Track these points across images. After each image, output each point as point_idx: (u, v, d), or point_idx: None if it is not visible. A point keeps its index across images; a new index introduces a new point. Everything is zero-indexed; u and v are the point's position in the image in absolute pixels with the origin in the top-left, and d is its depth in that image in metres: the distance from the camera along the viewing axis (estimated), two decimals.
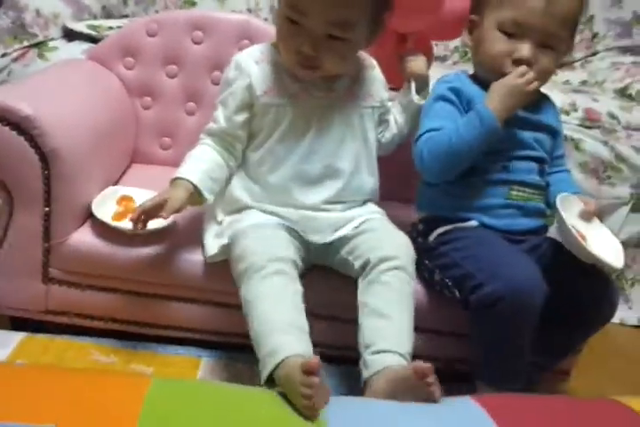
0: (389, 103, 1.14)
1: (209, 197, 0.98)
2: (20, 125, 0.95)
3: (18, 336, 0.98)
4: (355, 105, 1.04)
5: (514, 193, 1.05)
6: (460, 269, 0.98)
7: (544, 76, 1.04)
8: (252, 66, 1.00)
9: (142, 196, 1.10)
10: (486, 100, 1.00)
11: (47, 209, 0.99)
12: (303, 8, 0.89)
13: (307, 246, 1.00)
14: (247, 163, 1.03)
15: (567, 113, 1.49)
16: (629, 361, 1.41)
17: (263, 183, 1.01)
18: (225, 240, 0.97)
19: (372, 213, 1.05)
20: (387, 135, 1.13)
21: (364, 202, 1.08)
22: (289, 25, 0.91)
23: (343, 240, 1.00)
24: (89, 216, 1.05)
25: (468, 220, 1.04)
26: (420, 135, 1.04)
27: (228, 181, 1.03)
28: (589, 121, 1.49)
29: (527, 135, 1.06)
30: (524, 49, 1.00)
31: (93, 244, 1.02)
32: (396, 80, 1.16)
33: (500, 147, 1.03)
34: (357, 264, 0.95)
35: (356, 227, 1.01)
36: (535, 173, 1.07)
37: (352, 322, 0.93)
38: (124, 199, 1.09)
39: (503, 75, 1.01)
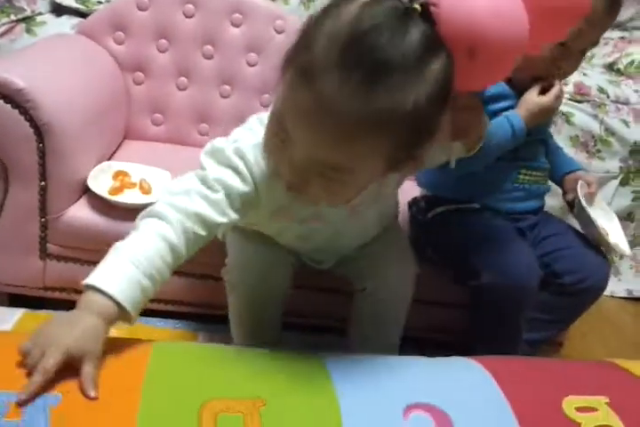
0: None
1: (135, 318, 0.66)
2: (14, 98, 0.94)
3: (17, 312, 0.99)
4: (377, 205, 0.86)
5: (521, 176, 1.06)
6: (457, 254, 1.01)
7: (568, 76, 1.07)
8: (261, 177, 0.74)
9: (137, 170, 1.10)
10: (520, 108, 0.99)
11: (43, 184, 1.00)
12: (292, 133, 0.64)
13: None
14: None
15: None
16: (619, 331, 1.45)
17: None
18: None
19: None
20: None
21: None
22: (276, 141, 0.67)
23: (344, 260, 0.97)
24: (85, 191, 1.06)
25: (471, 202, 1.06)
26: None
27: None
28: (579, 95, 1.50)
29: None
30: (571, 60, 0.99)
31: (90, 218, 1.03)
32: None
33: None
34: (356, 285, 0.95)
35: (361, 248, 0.95)
36: (542, 154, 1.10)
37: (336, 292, 0.98)
38: (120, 174, 1.09)
39: (536, 78, 1.00)
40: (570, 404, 0.66)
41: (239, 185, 0.73)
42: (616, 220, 1.10)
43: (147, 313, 1.06)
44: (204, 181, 0.72)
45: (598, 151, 1.50)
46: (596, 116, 1.49)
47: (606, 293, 1.57)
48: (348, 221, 0.84)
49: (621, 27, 1.98)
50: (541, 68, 1.00)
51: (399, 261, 0.94)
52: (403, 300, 0.95)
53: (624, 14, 2.01)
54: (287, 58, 0.64)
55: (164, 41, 1.33)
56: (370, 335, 0.96)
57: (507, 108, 1.02)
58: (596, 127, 1.48)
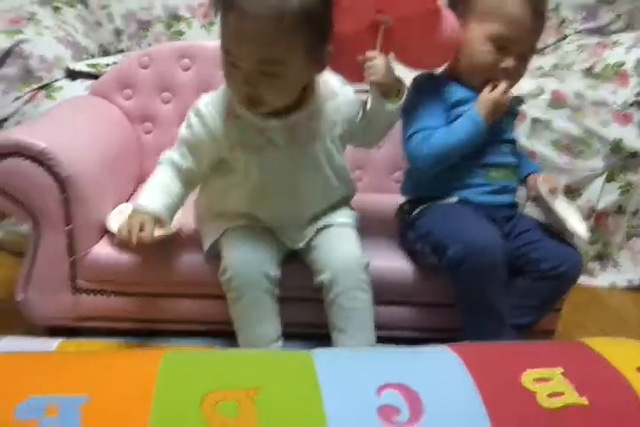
0: (359, 102, 1.11)
1: (170, 222, 1.10)
2: (38, 158, 1.08)
3: (55, 342, 1.11)
4: (319, 144, 1.07)
5: (492, 174, 1.17)
6: (433, 237, 1.11)
7: (519, 78, 1.17)
8: (215, 119, 1.02)
9: None
10: (480, 110, 1.11)
11: (69, 228, 1.12)
12: (235, 51, 0.92)
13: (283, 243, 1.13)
14: (228, 191, 1.11)
15: (536, 96, 1.59)
16: (622, 321, 1.50)
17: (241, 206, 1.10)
18: (213, 239, 1.11)
19: (339, 219, 1.14)
20: (366, 139, 1.17)
21: (340, 203, 1.17)
22: (229, 68, 0.95)
23: (308, 246, 1.12)
24: (106, 231, 1.18)
25: (450, 197, 1.17)
26: (414, 133, 1.15)
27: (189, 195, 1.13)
28: (557, 102, 1.59)
29: (502, 121, 1.17)
30: (511, 61, 1.12)
31: (112, 254, 1.16)
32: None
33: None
34: (315, 282, 1.08)
35: (317, 232, 1.12)
36: (510, 154, 1.20)
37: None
38: None
39: (487, 80, 1.13)
40: (528, 376, 0.75)
41: (192, 134, 1.04)
42: (575, 209, 1.19)
43: (166, 334, 1.20)
44: (177, 144, 1.08)
45: (581, 152, 1.58)
46: (574, 120, 1.57)
47: (607, 284, 1.65)
48: (295, 159, 1.05)
49: (600, 32, 2.07)
50: (487, 72, 1.13)
51: (347, 253, 1.08)
52: (360, 289, 1.06)
53: (602, 20, 2.10)
54: (216, 5, 0.92)
55: (166, 93, 1.47)
56: (344, 329, 1.07)
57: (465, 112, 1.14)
58: (575, 130, 1.57)
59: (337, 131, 1.08)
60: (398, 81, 1.08)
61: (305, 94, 1.02)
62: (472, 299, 1.08)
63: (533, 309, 1.15)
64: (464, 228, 1.07)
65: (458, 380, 0.75)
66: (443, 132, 1.13)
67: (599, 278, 1.67)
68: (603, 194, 1.61)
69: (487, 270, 1.05)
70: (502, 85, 1.12)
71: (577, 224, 1.15)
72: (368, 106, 1.07)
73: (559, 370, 0.76)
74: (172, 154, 1.08)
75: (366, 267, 1.08)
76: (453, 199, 1.16)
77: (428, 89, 1.17)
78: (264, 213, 1.11)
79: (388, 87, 1.07)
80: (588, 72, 1.79)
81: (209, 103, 1.03)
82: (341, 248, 1.09)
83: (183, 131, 1.06)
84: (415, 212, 1.18)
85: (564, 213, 1.15)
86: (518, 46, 1.11)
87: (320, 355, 0.79)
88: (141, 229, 1.01)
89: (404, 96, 1.08)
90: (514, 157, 1.21)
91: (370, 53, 1.05)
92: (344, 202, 1.18)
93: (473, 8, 1.12)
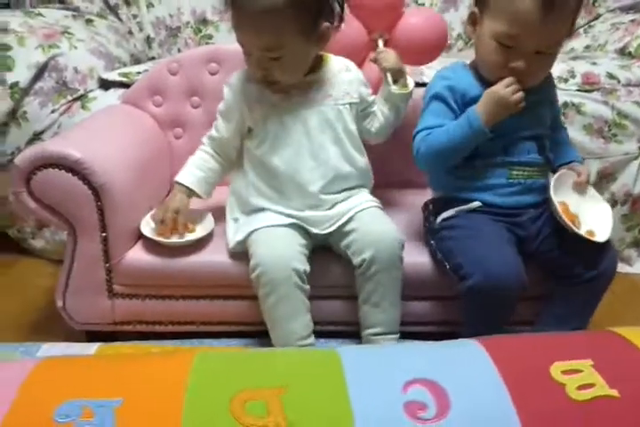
0: (372, 97, 1.26)
1: (205, 197, 1.26)
2: (73, 168, 1.12)
3: (94, 346, 1.14)
4: (330, 104, 1.19)
5: (514, 173, 1.13)
6: (454, 258, 1.10)
7: (542, 74, 1.10)
8: (241, 86, 1.20)
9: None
10: (478, 104, 1.07)
11: (104, 234, 1.16)
12: (244, 42, 1.11)
13: (310, 236, 1.17)
14: (254, 162, 1.20)
15: (566, 80, 1.55)
16: None
17: (269, 179, 1.18)
18: (240, 237, 1.16)
19: (364, 204, 1.19)
20: (375, 125, 1.27)
21: (358, 188, 1.22)
22: (245, 56, 1.13)
23: (340, 233, 1.16)
24: (140, 236, 1.22)
25: (472, 200, 1.14)
26: (418, 132, 1.15)
27: (226, 172, 1.28)
28: (588, 84, 1.55)
29: (526, 117, 1.11)
30: (520, 62, 1.04)
31: (146, 259, 1.19)
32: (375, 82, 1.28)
33: (498, 131, 1.10)
34: (354, 261, 1.13)
35: (349, 219, 1.16)
36: (534, 152, 1.15)
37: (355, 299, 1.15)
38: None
39: (500, 78, 1.07)
40: (557, 369, 0.74)
41: (224, 103, 1.22)
42: (603, 208, 1.14)
43: (201, 336, 1.22)
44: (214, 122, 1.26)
45: (614, 135, 1.53)
46: (606, 103, 1.53)
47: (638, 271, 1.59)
48: (309, 116, 1.16)
49: (636, 9, 2.00)
50: (496, 71, 1.08)
51: (381, 224, 1.15)
52: (397, 267, 1.13)
53: None
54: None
55: (195, 98, 1.49)
56: (378, 303, 1.14)
57: None
58: (607, 113, 1.52)
59: (348, 99, 1.20)
60: (404, 71, 1.23)
61: (317, 63, 1.18)
62: (481, 323, 1.08)
63: (578, 314, 1.14)
64: (485, 256, 1.05)
65: (485, 374, 0.75)
66: (440, 132, 1.11)
67: (637, 266, 1.63)
68: (639, 178, 1.56)
69: (504, 303, 1.05)
70: (508, 79, 1.06)
71: (596, 225, 1.10)
72: (383, 92, 1.24)
73: (589, 362, 0.75)
74: (210, 131, 1.25)
75: (403, 245, 1.14)
76: (475, 204, 1.14)
77: (439, 87, 1.14)
78: (287, 184, 1.17)
79: (399, 73, 1.23)
80: (622, 52, 1.75)
81: (236, 75, 1.22)
82: (379, 229, 1.14)
83: (219, 105, 1.23)
84: (439, 220, 1.17)
85: (584, 210, 1.11)
86: (526, 45, 1.03)
87: (347, 352, 0.80)
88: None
89: (412, 85, 1.23)
90: (539, 154, 1.15)
91: (379, 49, 1.25)
92: (363, 188, 1.24)
93: (488, 4, 1.08)
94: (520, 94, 1.05)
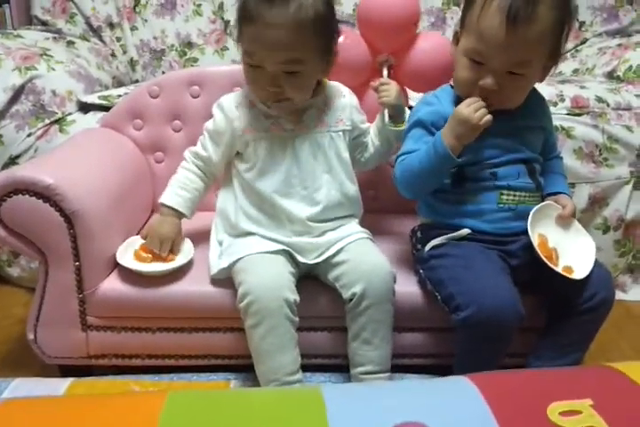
0: (366, 125, 1.23)
1: (190, 217, 1.22)
2: (44, 194, 1.07)
3: (66, 382, 1.08)
4: (323, 131, 1.16)
5: (504, 197, 1.09)
6: (445, 288, 1.06)
7: (516, 96, 1.06)
8: (233, 110, 1.17)
9: None
10: (445, 128, 1.04)
11: (77, 263, 1.11)
12: (261, 55, 1.05)
13: (298, 264, 1.13)
14: (244, 186, 1.16)
15: (555, 104, 1.53)
16: None
17: (258, 204, 1.15)
18: (225, 264, 1.11)
19: (355, 235, 1.15)
20: (365, 155, 1.25)
21: (348, 218, 1.19)
22: (252, 69, 1.09)
23: (328, 264, 1.12)
24: (115, 265, 1.17)
25: (461, 227, 1.10)
26: (397, 157, 1.13)
27: (209, 189, 1.25)
28: (578, 108, 1.53)
29: (514, 141, 1.10)
30: (488, 79, 1.02)
31: (123, 289, 1.14)
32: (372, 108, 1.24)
33: (486, 155, 1.08)
34: (344, 295, 1.09)
35: (339, 250, 1.12)
36: (524, 176, 1.11)
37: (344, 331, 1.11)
38: (145, 246, 1.20)
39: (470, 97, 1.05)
40: (554, 410, 0.69)
41: (214, 124, 1.18)
42: (586, 243, 1.10)
43: (180, 370, 1.17)
44: (200, 138, 1.23)
45: (605, 159, 1.51)
46: (596, 126, 1.50)
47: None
48: (301, 143, 1.14)
49: (622, 33, 2.01)
50: (466, 88, 1.06)
51: (372, 257, 1.11)
52: (390, 301, 1.09)
53: (625, 19, 2.04)
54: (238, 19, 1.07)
55: (177, 122, 1.45)
56: (369, 340, 1.08)
57: None
58: (598, 137, 1.50)
59: (341, 126, 1.18)
60: (403, 108, 1.20)
61: (315, 88, 1.15)
62: (475, 357, 1.04)
63: (579, 344, 1.10)
64: (479, 287, 1.00)
65: (478, 416, 0.70)
66: (412, 157, 1.08)
67: (631, 293, 1.60)
68: (631, 202, 1.53)
69: (500, 336, 1.01)
70: (470, 99, 1.03)
71: (576, 262, 1.07)
72: (377, 125, 1.22)
73: (588, 402, 0.70)
74: (194, 147, 1.23)
75: (395, 278, 1.10)
76: (464, 231, 1.10)
77: (422, 112, 1.11)
78: (276, 210, 1.13)
79: (398, 110, 1.19)
80: (610, 75, 1.74)
81: (228, 97, 1.19)
82: (371, 261, 1.10)
83: (207, 123, 1.21)
84: (427, 248, 1.13)
85: (565, 245, 1.08)
86: (494, 62, 1.01)
87: (331, 393, 0.74)
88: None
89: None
90: (530, 179, 1.11)
91: (383, 79, 1.22)
92: (353, 218, 1.21)
93: (464, 22, 1.06)
94: (481, 113, 1.01)
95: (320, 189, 1.15)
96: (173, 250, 1.19)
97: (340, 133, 1.18)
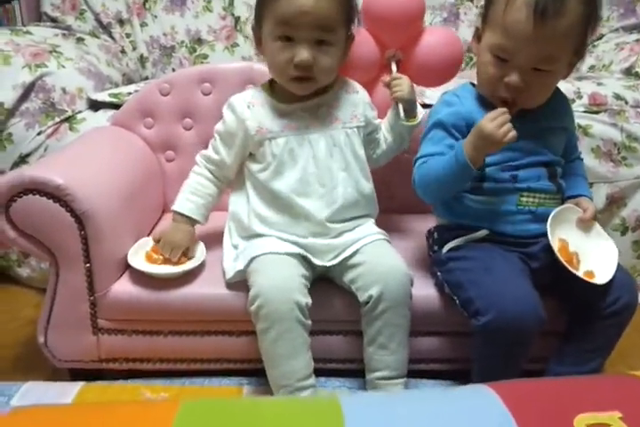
0: (378, 121, 1.21)
1: (204, 223, 1.20)
2: (54, 194, 1.05)
3: (76, 386, 1.06)
4: (338, 127, 1.14)
5: (524, 199, 1.07)
6: (464, 292, 1.03)
7: (541, 94, 1.04)
8: (245, 110, 1.14)
9: None
10: (467, 138, 1.01)
11: (88, 265, 1.10)
12: (295, 22, 1.03)
13: (313, 266, 1.10)
14: (258, 187, 1.14)
15: (572, 101, 1.50)
16: None
17: (273, 204, 1.12)
18: (241, 266, 1.09)
19: (371, 236, 1.13)
20: (377, 152, 1.22)
21: (364, 218, 1.16)
22: (282, 45, 1.06)
23: (344, 266, 1.10)
24: (127, 266, 1.15)
25: (479, 228, 1.08)
26: (416, 159, 1.09)
27: (222, 193, 1.22)
28: (595, 106, 1.49)
29: (535, 143, 1.07)
30: (513, 76, 1.00)
31: (134, 292, 1.12)
32: (382, 104, 1.23)
33: (507, 156, 1.06)
34: (360, 297, 1.06)
35: (355, 252, 1.10)
36: (545, 178, 1.09)
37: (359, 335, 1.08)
38: (156, 247, 1.18)
39: (496, 98, 1.04)
40: (581, 422, 0.67)
41: (225, 126, 1.16)
42: (608, 247, 1.07)
43: (191, 374, 1.15)
44: (211, 141, 1.20)
45: (624, 158, 1.48)
46: (615, 125, 1.47)
47: None
48: (316, 141, 1.11)
49: (639, 28, 1.97)
50: (491, 86, 1.03)
51: (390, 259, 1.08)
52: (407, 305, 1.06)
53: None
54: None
55: (188, 120, 1.43)
56: (385, 344, 1.06)
57: None
58: (616, 135, 1.47)
59: (355, 123, 1.16)
60: (416, 103, 1.19)
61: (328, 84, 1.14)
62: (494, 362, 1.01)
63: (602, 350, 1.08)
64: (499, 291, 0.98)
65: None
66: (433, 162, 1.05)
67: None
68: None
69: (520, 341, 0.98)
70: (493, 112, 0.99)
71: (597, 266, 1.04)
72: (390, 120, 1.20)
73: (617, 414, 0.68)
74: (206, 151, 1.20)
75: (412, 281, 1.08)
76: (483, 233, 1.07)
77: (442, 113, 1.09)
78: (293, 210, 1.11)
79: (411, 104, 1.17)
80: (628, 72, 1.70)
81: (239, 97, 1.17)
82: (388, 263, 1.07)
83: (217, 125, 1.18)
84: (445, 249, 1.11)
85: (587, 249, 1.05)
86: (520, 58, 0.99)
87: (349, 402, 0.72)
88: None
89: (421, 117, 1.18)
90: (551, 181, 1.09)
91: (394, 74, 1.19)
92: (369, 217, 1.19)
93: (487, 17, 1.04)
94: (506, 128, 0.97)
95: (337, 187, 1.12)
96: (186, 253, 1.17)
97: (355, 130, 1.16)
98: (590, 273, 1.04)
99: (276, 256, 1.07)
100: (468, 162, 0.99)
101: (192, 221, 1.17)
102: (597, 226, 1.10)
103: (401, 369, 1.08)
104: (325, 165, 1.12)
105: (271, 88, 1.17)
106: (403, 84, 1.16)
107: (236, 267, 1.10)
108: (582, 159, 1.22)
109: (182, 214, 1.16)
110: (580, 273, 1.02)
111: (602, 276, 1.03)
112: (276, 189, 1.11)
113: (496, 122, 0.97)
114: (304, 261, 1.09)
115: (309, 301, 1.03)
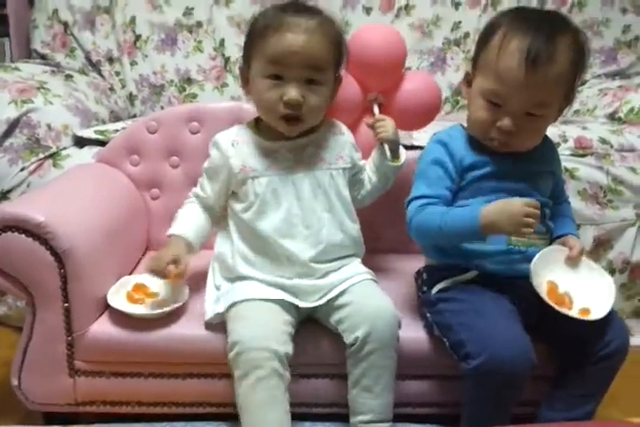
0: (362, 162, 1.21)
1: (198, 249, 1.17)
2: (34, 232, 1.03)
3: None
4: (323, 168, 1.14)
5: (514, 239, 1.06)
6: (454, 335, 1.02)
7: (532, 138, 1.06)
8: (229, 148, 1.13)
9: (154, 281, 1.17)
10: (488, 209, 0.99)
11: (66, 305, 1.06)
12: (285, 62, 1.04)
13: (297, 309, 1.08)
14: (241, 227, 1.12)
15: (558, 145, 1.52)
16: None
17: (257, 245, 1.10)
18: (221, 309, 1.06)
19: (358, 276, 1.11)
20: (362, 193, 1.22)
21: (350, 257, 1.15)
22: (271, 83, 1.06)
23: (330, 306, 1.08)
24: (107, 306, 1.12)
25: (468, 269, 1.07)
26: (413, 199, 1.08)
27: (212, 230, 1.20)
28: (581, 149, 1.52)
29: (524, 185, 1.08)
30: (506, 120, 1.01)
31: (112, 332, 1.09)
32: (365, 145, 1.24)
33: (498, 197, 1.05)
34: (346, 339, 1.04)
35: (342, 292, 1.08)
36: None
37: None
38: (138, 286, 1.15)
39: (488, 139, 1.05)
40: None
41: (210, 162, 1.16)
42: (601, 280, 1.06)
43: (172, 418, 1.11)
44: (199, 179, 1.20)
45: (610, 201, 1.49)
46: (601, 168, 1.49)
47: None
48: (300, 181, 1.11)
49: (622, 75, 2.02)
50: (486, 129, 1.04)
51: (376, 299, 1.06)
52: (394, 347, 1.04)
53: (624, 62, 2.05)
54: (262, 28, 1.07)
55: (175, 158, 1.42)
56: (370, 387, 1.03)
57: (485, 175, 1.07)
58: (602, 178, 1.49)
59: (342, 164, 1.16)
60: (399, 143, 1.20)
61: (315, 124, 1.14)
62: (484, 406, 0.99)
63: (594, 395, 1.05)
64: (490, 334, 0.96)
65: None
66: (436, 211, 1.04)
67: (638, 337, 1.54)
68: (636, 245, 1.50)
69: (511, 386, 0.96)
70: (533, 203, 0.99)
71: (592, 302, 1.03)
72: (374, 161, 1.20)
73: None
74: (195, 188, 1.20)
75: (400, 322, 1.06)
76: (472, 273, 1.07)
77: (438, 152, 1.09)
78: (276, 251, 1.09)
79: (396, 145, 1.19)
80: (612, 117, 1.73)
81: (224, 134, 1.17)
82: (375, 304, 1.06)
83: (204, 164, 1.18)
84: (434, 291, 1.09)
85: (576, 286, 1.04)
86: (513, 103, 1.00)
87: None
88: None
89: (404, 158, 1.19)
90: (541, 222, 1.07)
91: (378, 116, 1.21)
92: (355, 257, 1.17)
93: (479, 61, 1.06)
94: (531, 222, 0.97)
95: (322, 229, 1.11)
96: (162, 293, 1.14)
97: (341, 171, 1.15)
98: (586, 310, 1.02)
99: (258, 303, 1.04)
100: (478, 228, 0.99)
101: (186, 243, 1.14)
102: (587, 261, 1.09)
103: (386, 413, 1.05)
104: (309, 207, 1.11)
105: (257, 126, 1.17)
106: (387, 124, 1.17)
107: (215, 309, 1.08)
108: (569, 202, 1.22)
109: (178, 236, 1.14)
110: (573, 313, 1.00)
111: (598, 310, 1.01)
112: (259, 230, 1.09)
113: (528, 210, 0.97)
114: (288, 305, 1.07)
115: (290, 350, 1.00)
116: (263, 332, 0.99)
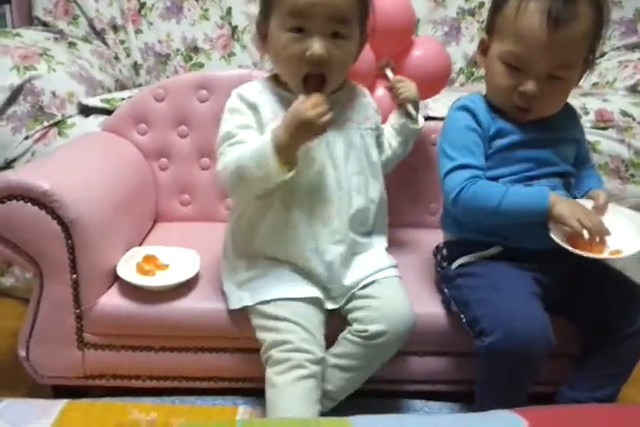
0: (382, 126, 1.17)
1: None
2: (40, 200, 1.00)
3: (59, 404, 0.99)
4: (354, 127, 1.07)
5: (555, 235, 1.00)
6: (470, 311, 0.99)
7: (556, 102, 1.03)
8: (255, 95, 1.03)
9: (164, 253, 1.14)
10: (557, 201, 0.97)
11: (74, 276, 1.04)
12: (309, 13, 0.94)
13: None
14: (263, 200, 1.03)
15: (579, 117, 1.47)
16: None
17: (280, 217, 1.02)
18: (249, 302, 1.02)
19: (384, 271, 1.06)
20: (383, 158, 1.16)
21: (378, 235, 1.11)
22: (293, 38, 0.96)
23: (351, 303, 1.04)
24: (116, 278, 1.09)
25: (491, 244, 1.04)
26: (455, 168, 1.02)
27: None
28: (602, 122, 1.47)
29: (549, 153, 1.05)
30: (529, 85, 0.98)
31: (123, 305, 1.06)
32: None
33: (521, 167, 1.03)
34: (353, 326, 1.01)
35: (365, 286, 1.04)
36: (560, 188, 1.05)
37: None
38: (148, 258, 1.12)
39: (511, 107, 1.02)
40: None
41: (245, 107, 1.02)
42: (631, 218, 1.02)
43: (183, 392, 1.09)
44: (227, 138, 1.01)
45: (632, 176, 1.45)
46: (622, 141, 1.45)
47: None
48: (332, 141, 1.02)
49: None
50: (506, 95, 1.01)
51: (397, 300, 1.02)
52: (397, 348, 1.02)
53: None
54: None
55: (183, 127, 1.39)
56: (348, 369, 1.02)
57: (511, 144, 1.03)
58: (624, 152, 1.44)
59: (369, 124, 1.10)
60: (419, 104, 1.18)
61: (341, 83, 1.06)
62: (498, 385, 0.97)
63: (619, 375, 1.03)
64: (507, 311, 0.93)
65: None
66: (493, 191, 0.99)
67: None
68: None
69: (526, 364, 0.93)
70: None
71: (625, 241, 0.97)
72: (394, 125, 1.18)
73: None
74: (223, 157, 1.00)
75: (414, 326, 1.03)
76: (496, 249, 1.03)
77: (465, 119, 1.05)
78: (311, 213, 1.01)
79: (417, 106, 1.17)
80: (633, 89, 1.68)
81: (244, 86, 1.06)
82: (398, 306, 1.02)
83: (225, 128, 1.02)
84: (454, 266, 1.06)
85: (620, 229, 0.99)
86: (535, 65, 0.97)
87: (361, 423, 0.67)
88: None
89: (422, 122, 1.17)
90: (566, 192, 1.06)
91: (396, 78, 1.19)
92: (382, 234, 1.12)
93: (496, 25, 1.02)
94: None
95: (352, 191, 1.04)
96: (174, 263, 1.11)
97: (370, 131, 1.09)
98: (617, 251, 0.97)
99: (297, 304, 1.00)
100: (547, 217, 0.96)
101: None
102: (612, 205, 1.04)
103: (340, 396, 1.04)
104: (342, 166, 1.03)
105: (277, 81, 1.06)
106: (407, 84, 1.15)
107: (242, 300, 1.03)
108: (593, 165, 1.18)
109: (266, 141, 0.94)
110: (604, 255, 0.96)
111: (629, 248, 0.96)
112: (292, 190, 1.00)
113: (601, 229, 0.96)
114: (321, 303, 1.02)
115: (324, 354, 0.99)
116: (311, 336, 0.97)
